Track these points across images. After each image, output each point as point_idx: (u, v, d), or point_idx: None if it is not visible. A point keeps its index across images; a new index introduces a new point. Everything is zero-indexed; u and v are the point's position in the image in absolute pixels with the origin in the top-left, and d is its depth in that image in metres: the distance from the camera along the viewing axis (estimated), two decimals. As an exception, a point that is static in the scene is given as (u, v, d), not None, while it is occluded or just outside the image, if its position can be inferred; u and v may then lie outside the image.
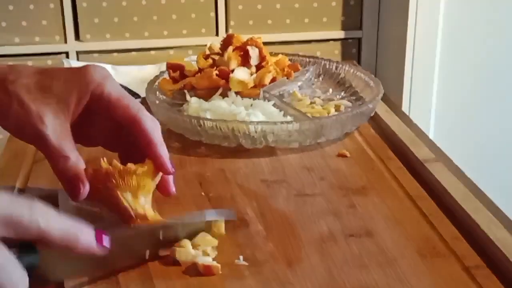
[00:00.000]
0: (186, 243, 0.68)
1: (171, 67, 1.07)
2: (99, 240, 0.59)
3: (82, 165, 0.66)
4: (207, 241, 0.68)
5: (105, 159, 0.67)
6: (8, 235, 0.52)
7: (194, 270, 0.66)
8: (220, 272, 0.65)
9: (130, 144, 0.71)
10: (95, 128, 0.71)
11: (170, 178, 0.71)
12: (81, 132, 0.69)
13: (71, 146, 0.67)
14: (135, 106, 0.69)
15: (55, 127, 0.66)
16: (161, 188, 0.70)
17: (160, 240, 0.68)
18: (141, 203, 0.66)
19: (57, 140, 0.66)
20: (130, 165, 0.67)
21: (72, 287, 0.63)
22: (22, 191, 0.82)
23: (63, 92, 0.67)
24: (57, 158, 0.66)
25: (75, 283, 0.64)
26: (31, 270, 0.54)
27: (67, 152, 0.66)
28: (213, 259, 0.67)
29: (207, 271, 0.65)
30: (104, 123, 0.71)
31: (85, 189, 0.66)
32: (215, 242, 0.69)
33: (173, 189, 0.71)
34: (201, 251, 0.67)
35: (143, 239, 0.67)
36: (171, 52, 1.44)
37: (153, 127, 0.69)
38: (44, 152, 0.66)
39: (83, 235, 0.57)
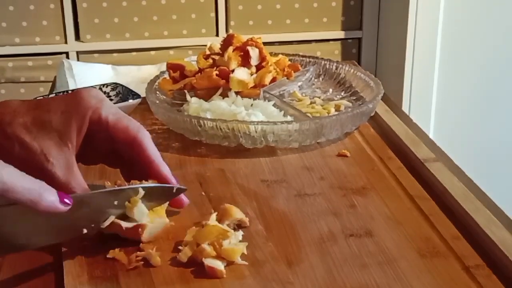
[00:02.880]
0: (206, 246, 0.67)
1: (171, 67, 1.07)
2: (62, 199, 0.61)
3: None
4: (235, 250, 0.67)
5: (108, 182, 0.69)
6: None
7: (195, 270, 0.66)
8: (225, 277, 0.65)
9: (131, 160, 0.72)
10: (95, 149, 0.72)
11: (169, 173, 0.72)
12: (82, 153, 0.70)
13: (78, 180, 0.68)
14: (135, 126, 0.70)
15: (61, 163, 0.67)
16: (173, 202, 0.72)
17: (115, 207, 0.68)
18: (156, 220, 0.69)
19: (64, 176, 0.67)
20: (134, 183, 0.68)
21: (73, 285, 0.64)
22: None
23: (63, 125, 0.68)
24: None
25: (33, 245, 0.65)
26: None
27: (74, 188, 0.67)
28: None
29: (211, 272, 0.65)
30: (103, 143, 0.72)
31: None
32: (240, 251, 0.67)
33: (185, 200, 0.74)
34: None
35: (101, 202, 0.67)
36: (171, 52, 1.45)
37: (153, 146, 0.70)
38: (52, 186, 0.67)
39: (46, 192, 0.60)
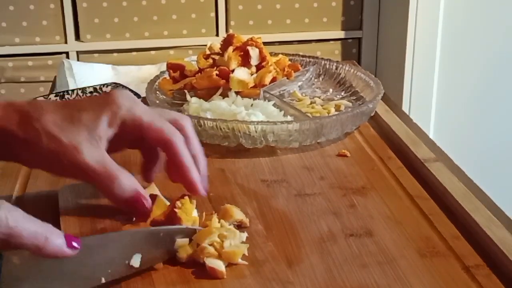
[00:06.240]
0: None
1: (171, 67, 1.07)
2: (69, 243, 0.58)
3: (135, 179, 0.66)
4: (236, 253, 0.67)
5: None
6: None
7: (195, 271, 0.66)
8: (225, 277, 0.65)
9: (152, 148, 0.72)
10: (121, 143, 0.70)
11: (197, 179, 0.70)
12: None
13: (116, 165, 0.66)
14: (169, 130, 0.69)
15: (92, 153, 0.65)
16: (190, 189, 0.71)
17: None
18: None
19: (98, 164, 0.64)
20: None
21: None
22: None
23: (92, 121, 0.66)
24: (108, 180, 0.65)
25: None
26: None
27: (115, 172, 0.65)
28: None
29: (211, 273, 0.65)
30: (131, 138, 0.70)
31: (148, 202, 0.67)
32: (240, 253, 0.67)
33: (202, 191, 0.71)
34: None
35: (116, 245, 0.63)
36: (171, 52, 1.45)
37: (185, 151, 0.69)
38: (90, 180, 0.65)
39: (53, 236, 0.57)
